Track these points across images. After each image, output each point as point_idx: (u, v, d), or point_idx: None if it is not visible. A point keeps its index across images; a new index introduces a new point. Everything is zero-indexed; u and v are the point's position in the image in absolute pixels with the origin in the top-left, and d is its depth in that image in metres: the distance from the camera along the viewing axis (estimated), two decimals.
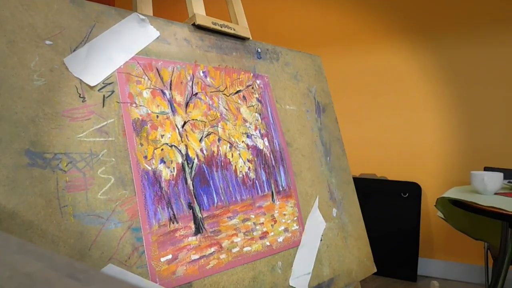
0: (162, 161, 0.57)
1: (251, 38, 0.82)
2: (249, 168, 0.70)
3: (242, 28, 0.80)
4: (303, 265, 0.72)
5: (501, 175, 1.00)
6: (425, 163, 1.78)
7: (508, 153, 1.59)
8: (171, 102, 0.61)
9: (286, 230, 0.72)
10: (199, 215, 0.59)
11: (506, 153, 1.60)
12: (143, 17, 0.61)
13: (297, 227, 0.74)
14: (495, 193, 1.01)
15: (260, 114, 0.76)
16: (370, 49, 1.94)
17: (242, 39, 0.80)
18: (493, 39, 1.66)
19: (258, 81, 0.79)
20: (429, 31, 1.79)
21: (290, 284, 0.68)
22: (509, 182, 1.16)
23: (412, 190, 1.72)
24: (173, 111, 0.61)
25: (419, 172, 1.78)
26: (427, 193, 1.76)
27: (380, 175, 1.87)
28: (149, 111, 0.58)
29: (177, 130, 0.60)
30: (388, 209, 1.65)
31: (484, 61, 1.68)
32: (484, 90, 1.67)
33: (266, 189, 0.71)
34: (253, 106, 0.76)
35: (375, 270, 0.90)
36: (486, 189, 0.99)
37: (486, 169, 1.44)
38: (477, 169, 1.46)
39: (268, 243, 0.67)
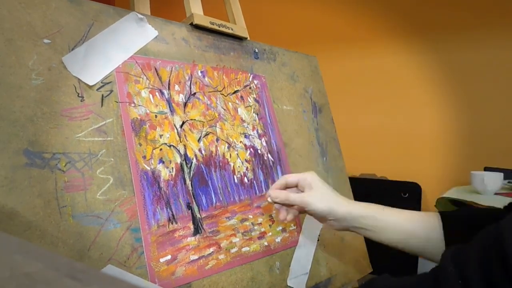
0: (161, 161, 0.56)
1: (248, 38, 0.82)
2: (247, 168, 0.70)
3: (240, 28, 0.80)
4: (301, 265, 0.72)
5: (501, 175, 1.01)
6: (425, 163, 1.79)
7: (508, 153, 1.60)
8: (169, 102, 0.61)
9: (283, 230, 0.72)
10: (198, 215, 0.59)
11: (506, 153, 1.61)
12: (141, 16, 0.61)
13: (295, 227, 0.74)
14: (495, 193, 1.02)
15: (257, 114, 0.76)
16: (368, 49, 1.95)
17: (240, 39, 0.80)
18: (494, 41, 1.67)
19: (255, 81, 0.79)
20: (428, 31, 1.80)
21: (288, 284, 0.68)
22: (509, 182, 1.17)
23: (412, 190, 1.72)
24: (172, 111, 0.61)
25: (419, 172, 1.78)
26: (427, 193, 1.76)
27: (380, 175, 1.87)
28: (148, 111, 0.57)
29: (175, 130, 0.60)
30: None
31: (484, 61, 1.68)
32: (485, 91, 1.68)
33: (264, 189, 0.71)
34: (250, 106, 0.76)
35: (370, 270, 0.90)
36: (486, 189, 1.00)
37: (486, 169, 1.43)
38: (477, 169, 1.46)
39: (266, 243, 0.67)
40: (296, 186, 0.65)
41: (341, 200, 0.62)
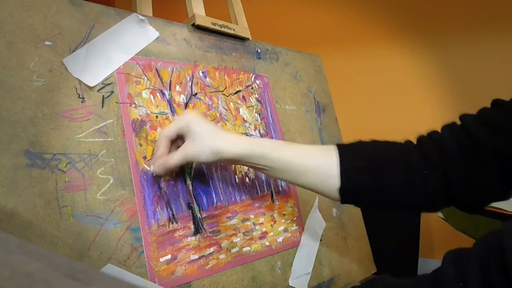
0: None
1: (250, 38, 0.82)
2: (248, 169, 0.70)
3: (242, 28, 0.80)
4: (303, 265, 0.72)
5: None
6: None
7: None
8: (170, 103, 0.61)
9: (285, 230, 0.72)
10: (198, 215, 0.59)
11: None
12: (142, 17, 0.61)
13: (297, 227, 0.74)
14: None
15: (259, 114, 0.76)
16: (372, 49, 1.94)
17: (242, 39, 0.80)
18: (494, 41, 1.66)
19: (257, 81, 0.79)
20: (430, 31, 1.79)
21: (290, 284, 0.68)
22: None
23: None
24: (173, 111, 0.61)
25: None
26: None
27: None
28: (149, 112, 0.58)
29: None
30: None
31: (484, 61, 1.67)
32: (485, 91, 1.67)
33: (265, 189, 0.71)
34: (252, 106, 0.76)
35: (375, 270, 0.90)
36: None
37: None
38: None
39: (267, 243, 0.67)
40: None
41: (227, 141, 0.55)
